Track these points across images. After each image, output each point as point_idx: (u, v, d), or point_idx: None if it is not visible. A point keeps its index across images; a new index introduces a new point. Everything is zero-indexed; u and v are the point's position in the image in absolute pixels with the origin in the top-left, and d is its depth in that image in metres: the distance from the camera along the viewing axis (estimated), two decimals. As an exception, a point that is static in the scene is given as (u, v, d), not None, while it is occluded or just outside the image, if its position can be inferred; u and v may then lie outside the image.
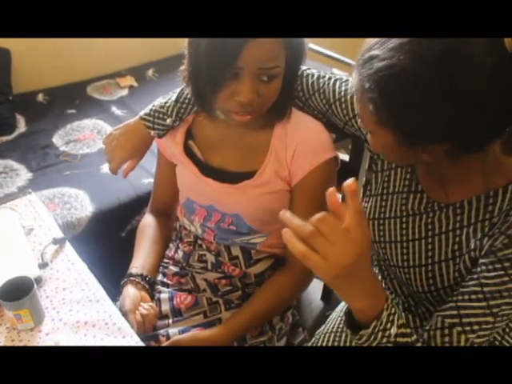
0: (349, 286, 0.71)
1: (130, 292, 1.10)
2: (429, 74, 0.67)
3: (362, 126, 0.82)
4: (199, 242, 1.19)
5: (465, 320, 0.78)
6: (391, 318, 0.76)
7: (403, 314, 1.00)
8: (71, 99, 2.36)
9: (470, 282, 0.79)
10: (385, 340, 0.76)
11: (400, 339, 0.76)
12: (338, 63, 2.38)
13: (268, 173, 1.08)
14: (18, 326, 0.97)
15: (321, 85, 1.05)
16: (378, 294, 0.75)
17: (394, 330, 0.75)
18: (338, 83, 1.04)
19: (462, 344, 0.77)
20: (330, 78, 1.05)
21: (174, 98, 1.13)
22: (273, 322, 1.17)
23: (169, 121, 1.13)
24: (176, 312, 1.15)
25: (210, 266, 1.18)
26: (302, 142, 1.06)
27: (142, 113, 1.16)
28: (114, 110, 2.30)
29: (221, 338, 1.07)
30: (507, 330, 0.92)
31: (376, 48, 0.71)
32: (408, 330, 0.78)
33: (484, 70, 0.66)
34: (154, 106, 1.15)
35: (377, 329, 0.75)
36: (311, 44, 2.32)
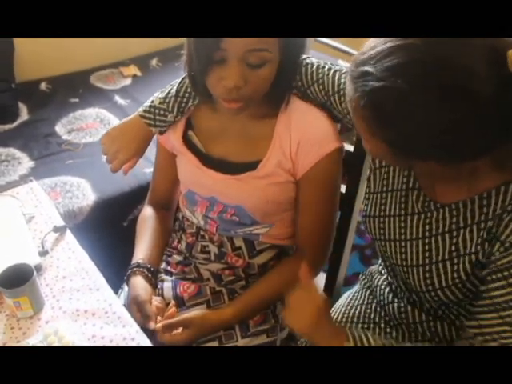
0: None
1: (142, 283, 1.09)
2: (427, 101, 0.67)
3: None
4: (202, 233, 1.18)
5: (485, 330, 0.80)
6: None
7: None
8: (74, 88, 2.34)
9: (482, 295, 0.81)
10: None
11: None
12: (344, 54, 2.36)
13: (271, 164, 1.06)
14: (17, 313, 0.97)
15: (320, 75, 1.03)
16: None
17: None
18: (337, 75, 1.02)
19: None
20: (329, 69, 1.03)
21: (173, 92, 1.10)
22: (276, 311, 1.16)
23: (170, 116, 1.11)
24: (179, 301, 1.14)
25: (213, 257, 1.17)
26: (307, 135, 1.04)
27: (140, 110, 1.12)
28: (118, 99, 2.28)
29: (229, 316, 1.08)
30: None
31: (370, 63, 0.70)
32: None
33: (482, 101, 0.66)
34: (152, 102, 1.11)
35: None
36: (317, 35, 2.30)
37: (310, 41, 2.13)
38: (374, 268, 1.17)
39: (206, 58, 0.91)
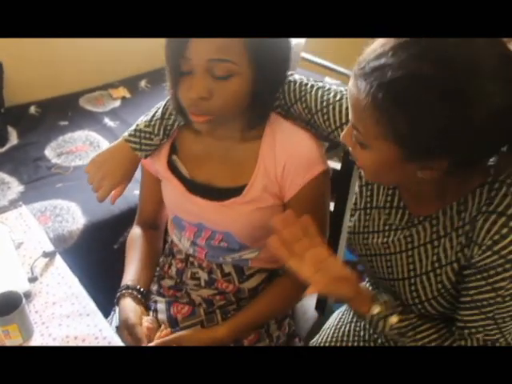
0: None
1: (131, 305, 1.08)
2: (455, 83, 0.67)
3: (358, 138, 0.78)
4: (191, 259, 1.17)
5: (469, 324, 0.83)
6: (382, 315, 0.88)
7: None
8: (63, 111, 2.34)
9: (463, 292, 0.83)
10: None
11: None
12: (330, 72, 2.39)
13: (256, 188, 1.04)
14: (5, 342, 0.96)
15: (303, 93, 1.02)
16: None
17: (393, 319, 0.88)
18: (320, 92, 1.00)
19: (475, 342, 0.83)
20: (312, 86, 1.02)
21: (158, 114, 1.08)
22: (270, 330, 1.15)
23: (156, 139, 1.08)
24: (173, 321, 1.13)
25: (203, 283, 1.16)
26: (292, 157, 1.01)
27: (125, 134, 1.10)
28: (107, 121, 2.29)
29: (223, 336, 1.06)
30: None
31: (387, 56, 0.70)
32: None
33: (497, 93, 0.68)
34: (137, 125, 1.09)
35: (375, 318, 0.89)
36: (303, 53, 2.33)
37: (295, 59, 2.16)
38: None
39: (174, 68, 0.92)
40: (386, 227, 0.94)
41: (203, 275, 1.15)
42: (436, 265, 0.86)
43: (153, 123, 1.08)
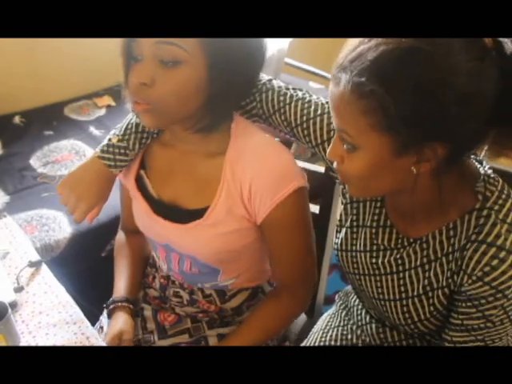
0: None
1: (129, 320, 1.08)
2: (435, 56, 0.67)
3: (347, 142, 0.74)
4: (172, 278, 1.15)
5: (459, 346, 0.83)
6: None
7: None
8: (48, 120, 2.33)
9: (453, 315, 0.83)
10: None
11: None
12: (314, 76, 2.40)
13: (220, 211, 0.96)
14: (-8, 352, 0.95)
15: (281, 104, 0.95)
16: None
17: None
18: (299, 105, 0.94)
19: None
20: (291, 97, 0.95)
21: (132, 128, 1.01)
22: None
23: (132, 154, 1.02)
24: (161, 330, 1.13)
25: (185, 302, 1.14)
26: (259, 175, 0.92)
27: (97, 151, 1.01)
28: (92, 130, 2.28)
29: None
30: None
31: (362, 46, 0.69)
32: None
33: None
34: (110, 140, 1.01)
35: None
36: (287, 59, 2.35)
37: (278, 64, 2.17)
38: (349, 288, 1.16)
39: (126, 54, 0.88)
40: (374, 247, 0.91)
41: (185, 295, 1.14)
42: (428, 288, 0.85)
43: (127, 137, 1.01)
